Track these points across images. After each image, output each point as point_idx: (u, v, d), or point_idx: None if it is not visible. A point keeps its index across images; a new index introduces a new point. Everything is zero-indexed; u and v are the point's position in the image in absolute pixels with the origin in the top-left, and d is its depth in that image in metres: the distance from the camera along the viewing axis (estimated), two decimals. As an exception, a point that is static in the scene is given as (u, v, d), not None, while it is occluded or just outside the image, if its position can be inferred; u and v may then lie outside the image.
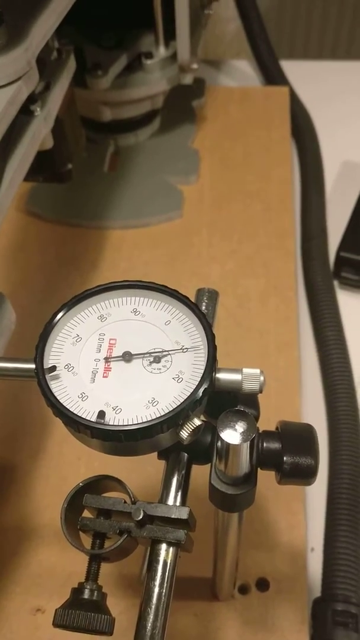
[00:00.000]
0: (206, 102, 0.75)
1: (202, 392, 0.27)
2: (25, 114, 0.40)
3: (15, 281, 0.60)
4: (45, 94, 0.43)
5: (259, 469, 0.29)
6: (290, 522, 0.46)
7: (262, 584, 0.43)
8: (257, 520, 0.45)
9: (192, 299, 0.31)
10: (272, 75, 0.79)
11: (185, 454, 0.31)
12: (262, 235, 0.63)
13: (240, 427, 0.26)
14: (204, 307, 0.35)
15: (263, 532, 0.45)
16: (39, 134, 0.41)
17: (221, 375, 0.29)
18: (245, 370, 0.29)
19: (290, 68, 0.81)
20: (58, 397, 0.27)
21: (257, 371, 0.29)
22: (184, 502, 0.30)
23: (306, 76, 0.81)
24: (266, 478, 0.30)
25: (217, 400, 0.30)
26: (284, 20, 1.14)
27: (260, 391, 0.29)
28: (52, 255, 0.62)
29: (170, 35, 0.61)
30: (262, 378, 0.29)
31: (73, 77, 0.62)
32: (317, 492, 0.48)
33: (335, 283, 0.60)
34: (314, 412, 0.52)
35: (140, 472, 0.45)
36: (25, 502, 0.47)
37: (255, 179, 0.68)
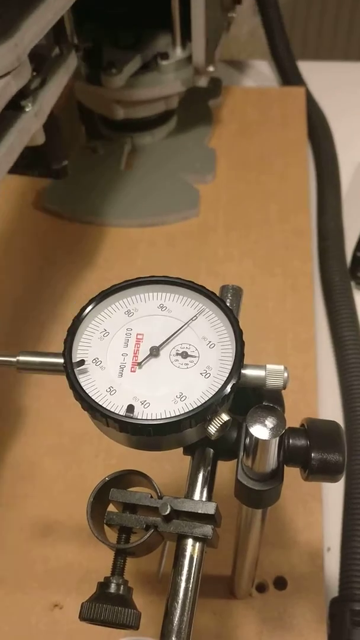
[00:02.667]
0: (222, 102, 0.75)
1: (231, 388, 0.27)
2: (14, 109, 0.40)
3: (33, 278, 0.60)
4: (38, 91, 0.42)
5: (285, 465, 0.29)
6: (307, 521, 0.46)
7: (280, 583, 0.43)
8: (274, 518, 0.45)
9: (215, 296, 0.31)
10: (289, 76, 0.79)
11: (211, 450, 0.31)
12: (279, 235, 0.63)
13: (270, 422, 0.26)
14: (228, 303, 0.35)
15: (281, 530, 0.45)
16: (28, 130, 0.41)
17: (246, 371, 0.29)
18: (269, 366, 0.29)
19: (303, 69, 0.81)
20: (87, 391, 0.27)
21: (281, 367, 0.29)
22: (209, 498, 0.30)
23: (319, 77, 0.81)
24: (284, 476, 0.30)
25: (242, 396, 0.30)
26: (296, 22, 1.15)
27: (284, 387, 0.30)
28: (69, 253, 0.63)
29: (187, 36, 0.61)
30: (285, 374, 0.29)
31: (88, 74, 0.62)
32: (333, 491, 0.48)
33: (352, 284, 0.60)
34: (331, 412, 0.52)
35: (158, 469, 0.45)
36: (43, 498, 0.47)
37: (271, 179, 0.68)
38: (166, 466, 0.46)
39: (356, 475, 0.47)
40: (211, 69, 0.63)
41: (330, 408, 0.53)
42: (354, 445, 0.48)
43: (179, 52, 0.63)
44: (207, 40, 0.60)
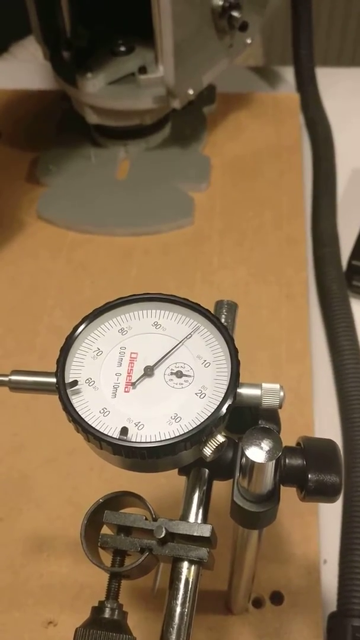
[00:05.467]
0: (217, 109, 0.74)
1: (226, 409, 0.27)
2: None
3: (26, 287, 0.60)
4: None
5: (281, 485, 0.29)
6: (304, 534, 0.45)
7: (277, 598, 0.43)
8: (271, 533, 0.45)
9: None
10: (304, 80, 0.78)
11: (206, 470, 0.30)
12: (273, 243, 0.63)
13: (266, 445, 0.26)
14: (223, 320, 0.35)
15: (277, 544, 0.45)
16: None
17: (242, 390, 0.29)
18: (265, 385, 0.29)
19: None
20: (80, 413, 0.27)
21: (277, 386, 0.29)
22: (205, 519, 0.29)
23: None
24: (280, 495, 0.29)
25: (237, 414, 0.29)
26: (290, 27, 1.14)
27: (280, 406, 0.29)
28: (63, 262, 0.62)
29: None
30: (282, 393, 0.29)
31: (68, 73, 0.63)
32: (330, 505, 0.47)
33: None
34: (327, 423, 0.52)
35: (153, 483, 0.45)
36: (37, 513, 0.46)
37: (266, 186, 0.68)
38: (161, 479, 0.45)
39: (355, 488, 0.46)
40: (190, 92, 0.61)
41: (326, 418, 0.52)
42: (353, 457, 0.48)
43: (160, 69, 0.60)
44: (183, 62, 0.58)
